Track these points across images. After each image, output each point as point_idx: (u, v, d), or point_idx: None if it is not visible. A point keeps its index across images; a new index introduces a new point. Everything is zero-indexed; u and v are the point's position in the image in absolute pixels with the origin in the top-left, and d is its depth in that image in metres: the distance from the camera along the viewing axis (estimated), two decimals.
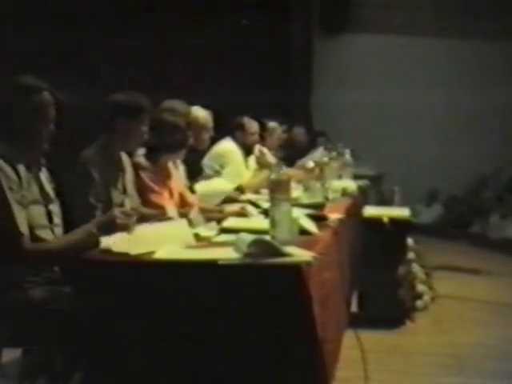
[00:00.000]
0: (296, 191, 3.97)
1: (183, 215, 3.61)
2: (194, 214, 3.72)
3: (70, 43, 8.95)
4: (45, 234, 2.83)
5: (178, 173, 4.52)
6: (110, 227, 2.73)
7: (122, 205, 3.60)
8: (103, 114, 3.63)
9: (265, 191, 4.35)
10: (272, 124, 6.99)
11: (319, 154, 7.48)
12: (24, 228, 2.72)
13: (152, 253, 2.63)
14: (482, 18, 11.37)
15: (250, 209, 3.87)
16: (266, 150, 6.70)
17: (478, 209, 10.84)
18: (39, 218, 2.82)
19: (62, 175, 3.37)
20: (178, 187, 4.25)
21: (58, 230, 2.93)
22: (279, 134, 7.25)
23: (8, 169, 2.70)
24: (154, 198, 3.99)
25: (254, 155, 6.44)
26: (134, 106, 3.59)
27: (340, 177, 5.70)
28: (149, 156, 4.07)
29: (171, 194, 4.13)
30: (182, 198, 4.24)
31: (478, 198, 11.16)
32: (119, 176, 3.65)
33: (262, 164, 6.27)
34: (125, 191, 3.67)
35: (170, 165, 4.22)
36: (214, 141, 5.43)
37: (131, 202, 3.70)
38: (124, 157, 3.72)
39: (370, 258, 5.07)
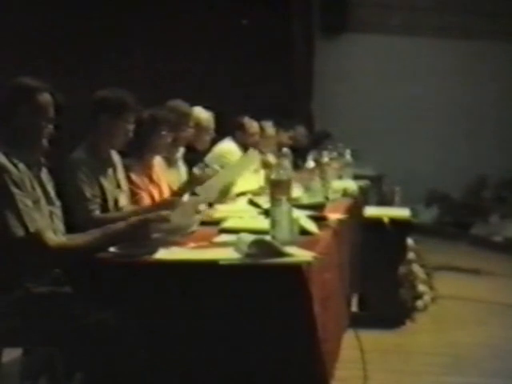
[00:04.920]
0: (296, 191, 3.98)
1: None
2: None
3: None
4: (49, 234, 2.82)
5: (177, 173, 4.53)
6: (144, 228, 2.70)
7: (116, 200, 3.60)
8: (89, 112, 3.61)
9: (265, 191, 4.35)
10: (263, 123, 6.88)
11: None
12: (41, 223, 2.72)
13: (152, 253, 2.64)
14: (482, 17, 11.37)
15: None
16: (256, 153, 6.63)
17: (478, 209, 10.84)
18: (43, 219, 2.82)
19: (61, 175, 3.37)
20: (169, 183, 4.24)
21: (59, 231, 2.93)
22: (271, 134, 7.17)
23: (12, 168, 2.71)
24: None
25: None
26: (117, 103, 3.55)
27: (340, 177, 5.70)
28: (132, 152, 4.01)
29: (160, 191, 4.12)
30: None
31: (478, 198, 11.16)
32: (111, 172, 3.64)
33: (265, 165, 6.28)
34: (118, 186, 3.67)
35: (158, 162, 4.21)
36: (214, 141, 5.44)
37: (125, 197, 3.70)
38: (114, 154, 3.71)
39: (371, 258, 5.07)
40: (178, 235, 2.81)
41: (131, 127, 3.61)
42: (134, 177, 3.95)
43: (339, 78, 11.21)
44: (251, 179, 4.90)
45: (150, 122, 3.96)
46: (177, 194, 4.05)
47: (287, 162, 3.09)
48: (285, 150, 3.69)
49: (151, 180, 4.10)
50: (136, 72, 9.32)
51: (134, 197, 3.89)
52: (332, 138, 8.70)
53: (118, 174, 3.70)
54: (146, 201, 3.98)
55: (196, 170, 4.14)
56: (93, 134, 3.61)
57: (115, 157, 3.72)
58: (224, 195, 4.25)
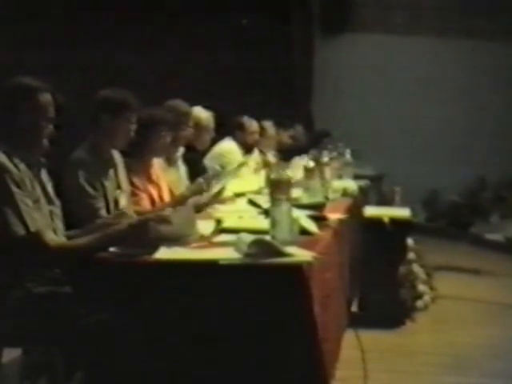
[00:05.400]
0: (296, 191, 3.98)
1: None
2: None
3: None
4: (49, 234, 2.82)
5: (177, 172, 4.53)
6: (144, 228, 2.69)
7: (116, 200, 3.60)
8: (90, 111, 3.60)
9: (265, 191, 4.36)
10: (263, 123, 6.87)
11: None
12: (41, 223, 2.72)
13: (152, 253, 2.63)
14: (482, 17, 11.37)
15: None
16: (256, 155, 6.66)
17: (477, 209, 10.84)
18: (43, 218, 2.82)
19: (61, 175, 3.37)
20: (169, 185, 4.24)
21: (59, 231, 2.93)
22: (271, 133, 7.16)
23: (12, 168, 2.71)
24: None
25: (253, 156, 6.45)
26: (118, 103, 3.53)
27: (340, 177, 5.70)
28: (132, 152, 3.97)
29: (160, 191, 4.12)
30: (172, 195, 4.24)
31: (478, 198, 11.16)
32: (112, 173, 3.63)
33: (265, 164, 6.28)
34: (119, 187, 3.66)
35: (157, 161, 4.20)
36: (214, 141, 5.44)
37: (126, 198, 3.69)
38: (116, 154, 3.70)
39: (371, 258, 5.07)
40: (179, 242, 2.80)
41: (133, 127, 3.60)
42: (133, 177, 3.94)
43: (339, 78, 11.21)
44: (251, 179, 4.91)
45: (149, 122, 3.95)
46: (180, 200, 4.02)
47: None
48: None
49: (151, 180, 4.09)
50: (136, 72, 9.32)
51: (133, 197, 3.89)
52: (331, 138, 8.70)
53: (119, 174, 3.69)
54: (146, 201, 3.98)
55: (201, 180, 4.13)
56: (94, 134, 3.59)
57: (117, 156, 3.71)
58: (218, 195, 4.24)
